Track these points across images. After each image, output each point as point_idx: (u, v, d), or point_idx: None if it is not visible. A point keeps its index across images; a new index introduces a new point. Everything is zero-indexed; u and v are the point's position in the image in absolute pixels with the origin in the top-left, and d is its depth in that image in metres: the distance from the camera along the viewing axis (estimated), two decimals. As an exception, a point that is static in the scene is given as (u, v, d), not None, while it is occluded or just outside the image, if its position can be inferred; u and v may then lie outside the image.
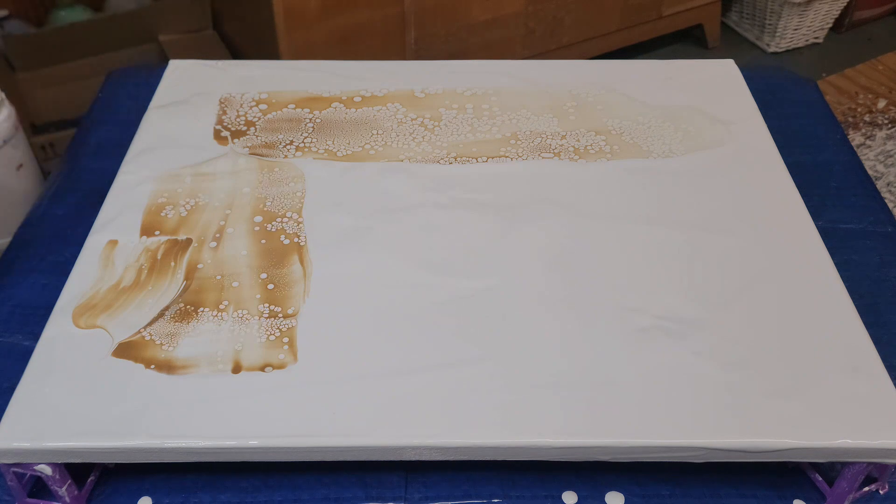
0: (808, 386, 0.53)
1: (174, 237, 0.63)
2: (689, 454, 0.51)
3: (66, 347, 0.55)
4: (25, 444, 0.50)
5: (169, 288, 0.59)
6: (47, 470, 0.52)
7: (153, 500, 0.55)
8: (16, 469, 0.52)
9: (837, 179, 0.80)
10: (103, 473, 0.56)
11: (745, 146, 0.73)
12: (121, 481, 0.56)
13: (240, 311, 0.58)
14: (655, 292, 0.59)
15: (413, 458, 0.52)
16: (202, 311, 0.58)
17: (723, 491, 0.56)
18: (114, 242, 0.63)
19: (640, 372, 0.54)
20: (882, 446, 0.51)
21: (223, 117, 0.75)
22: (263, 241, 0.63)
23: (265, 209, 0.66)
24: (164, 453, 0.51)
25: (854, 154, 0.83)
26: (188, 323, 0.57)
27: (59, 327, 0.57)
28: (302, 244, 0.63)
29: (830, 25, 2.03)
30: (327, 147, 0.72)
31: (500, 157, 0.71)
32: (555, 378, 0.54)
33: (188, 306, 0.58)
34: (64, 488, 0.53)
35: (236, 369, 0.54)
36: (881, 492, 0.56)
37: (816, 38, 2.02)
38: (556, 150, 0.72)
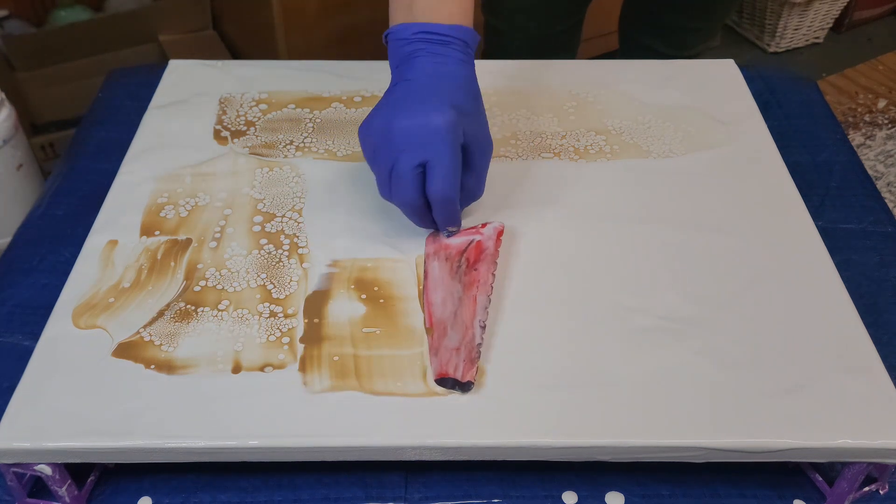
0: (807, 386, 0.53)
1: (174, 237, 0.63)
2: (689, 454, 0.51)
3: (66, 347, 0.55)
4: (25, 444, 0.50)
5: (169, 288, 0.59)
6: (47, 470, 0.52)
7: (153, 500, 0.55)
8: (16, 469, 0.52)
9: (837, 179, 0.80)
10: (103, 473, 0.56)
11: (745, 146, 0.73)
12: (121, 481, 0.56)
13: (240, 311, 0.58)
14: (655, 292, 0.59)
15: (413, 458, 0.52)
16: (202, 311, 0.58)
17: (723, 491, 0.56)
18: (114, 242, 0.63)
19: (640, 372, 0.54)
20: (882, 446, 0.51)
21: (223, 117, 0.75)
22: (263, 241, 0.63)
23: (265, 209, 0.66)
24: (164, 453, 0.51)
25: (854, 154, 0.83)
26: (188, 323, 0.57)
27: (59, 327, 0.57)
28: (302, 244, 0.63)
29: (830, 25, 2.03)
30: (327, 147, 0.72)
31: (499, 156, 0.71)
32: (555, 378, 0.54)
33: (188, 306, 0.58)
34: (64, 488, 0.53)
35: (236, 369, 0.54)
36: (881, 492, 0.56)
37: (816, 38, 2.02)
38: (556, 150, 0.72)
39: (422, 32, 0.60)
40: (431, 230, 0.63)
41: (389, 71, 0.60)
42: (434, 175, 0.57)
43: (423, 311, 0.58)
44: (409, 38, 0.60)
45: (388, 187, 0.59)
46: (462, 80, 0.60)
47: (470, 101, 0.60)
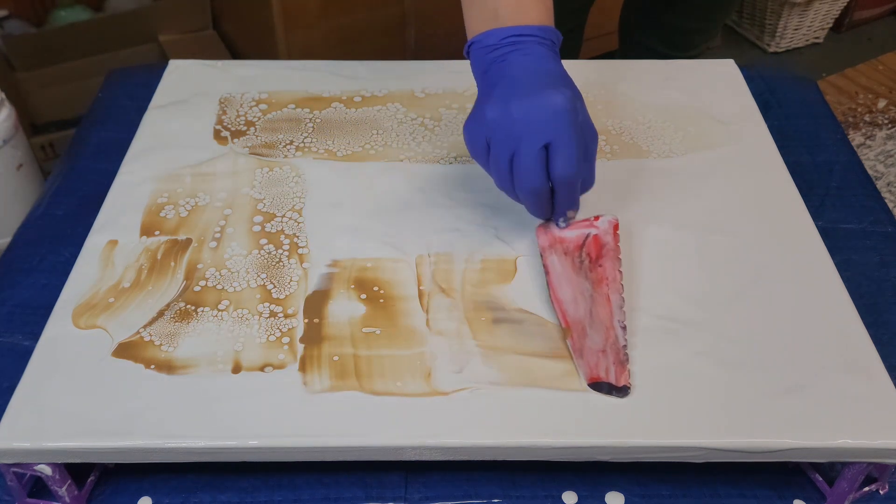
0: (807, 386, 0.53)
1: (174, 237, 0.63)
2: (689, 454, 0.51)
3: (66, 347, 0.55)
4: (25, 444, 0.50)
5: (169, 288, 0.59)
6: (47, 470, 0.52)
7: (153, 500, 0.55)
8: (16, 469, 0.52)
9: (837, 179, 0.80)
10: (103, 473, 0.56)
11: (745, 146, 0.73)
12: (121, 481, 0.56)
13: (240, 311, 0.58)
14: (656, 292, 0.59)
15: (413, 458, 0.52)
16: (202, 311, 0.58)
17: (723, 491, 0.56)
18: (114, 242, 0.63)
19: (640, 372, 0.54)
20: (882, 446, 0.51)
21: (223, 117, 0.75)
22: (263, 242, 0.63)
23: (265, 209, 0.66)
24: (164, 453, 0.51)
25: (854, 154, 0.83)
26: (188, 323, 0.57)
27: (59, 327, 0.57)
28: (302, 244, 0.63)
29: (830, 25, 2.03)
30: (327, 147, 0.72)
31: (500, 157, 0.71)
32: (555, 378, 0.54)
33: (188, 306, 0.58)
34: (64, 488, 0.53)
35: (236, 369, 0.54)
36: (881, 492, 0.56)
37: (816, 38, 2.02)
38: (556, 150, 0.72)
39: (512, 36, 0.59)
40: (541, 222, 0.62)
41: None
42: (559, 155, 0.55)
43: (554, 309, 0.57)
44: (498, 44, 0.59)
45: (508, 177, 0.58)
46: (560, 73, 0.59)
47: (575, 90, 0.58)
